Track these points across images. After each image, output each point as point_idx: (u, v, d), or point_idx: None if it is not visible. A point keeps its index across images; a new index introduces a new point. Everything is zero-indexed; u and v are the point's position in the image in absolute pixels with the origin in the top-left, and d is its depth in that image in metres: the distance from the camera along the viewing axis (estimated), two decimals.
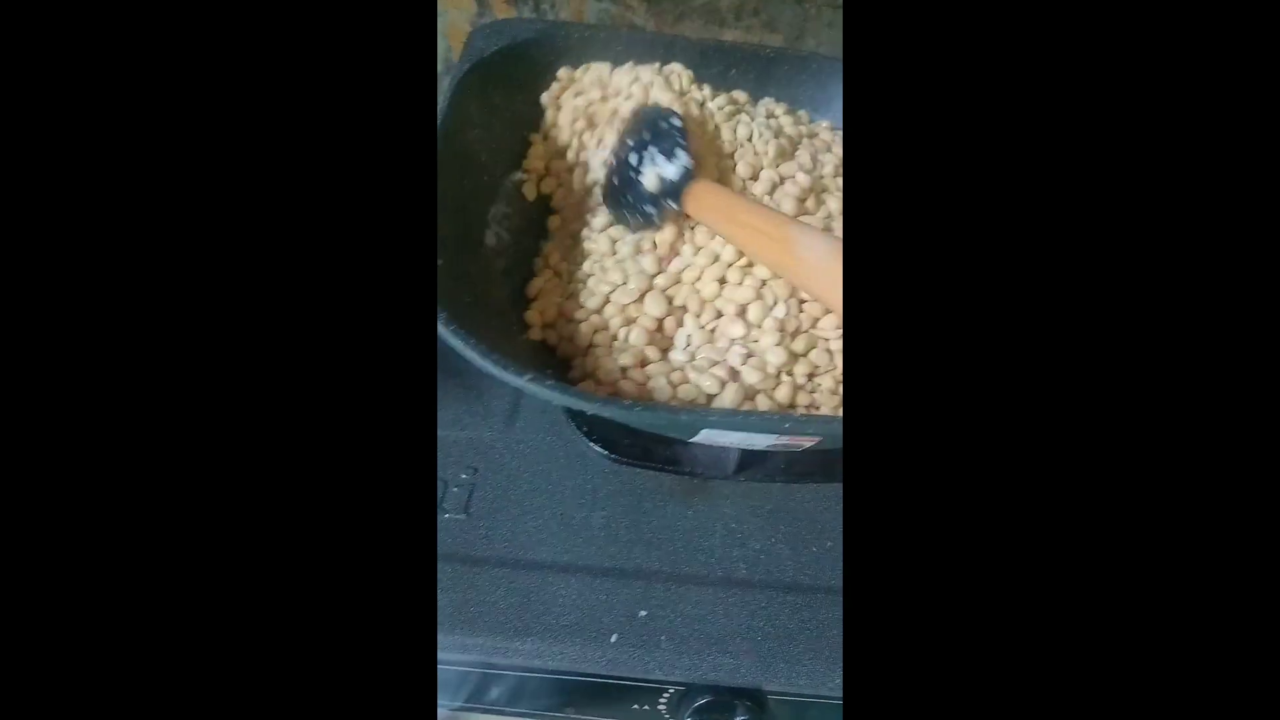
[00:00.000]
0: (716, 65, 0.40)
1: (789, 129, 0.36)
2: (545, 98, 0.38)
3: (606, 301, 0.29)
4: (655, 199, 0.30)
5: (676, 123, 0.31)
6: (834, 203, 0.32)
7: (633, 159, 0.32)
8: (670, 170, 0.30)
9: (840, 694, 0.28)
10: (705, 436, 0.26)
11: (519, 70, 0.37)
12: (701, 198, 0.29)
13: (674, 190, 0.30)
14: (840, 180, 0.33)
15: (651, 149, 0.31)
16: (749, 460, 0.33)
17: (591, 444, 0.34)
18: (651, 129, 0.32)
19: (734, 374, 0.26)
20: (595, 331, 0.29)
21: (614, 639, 0.28)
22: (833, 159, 0.34)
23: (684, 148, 0.30)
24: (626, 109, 0.35)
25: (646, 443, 0.33)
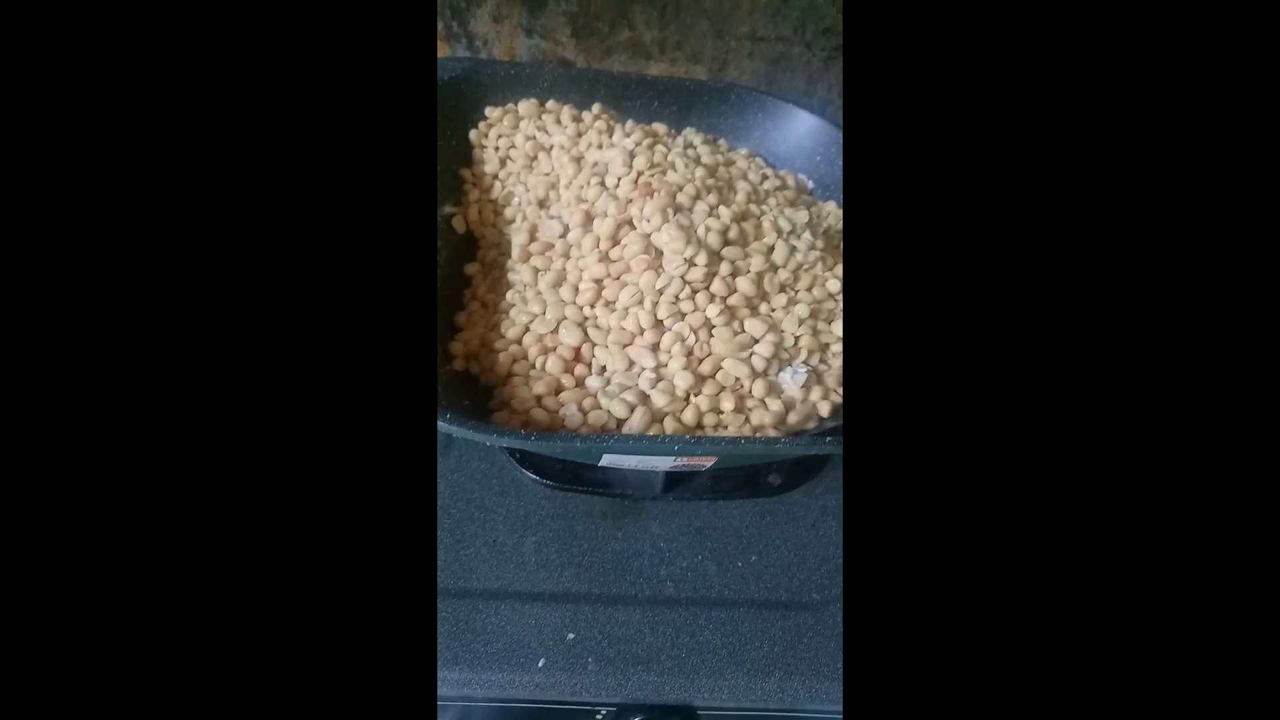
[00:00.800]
0: (640, 98, 0.41)
1: (706, 158, 0.37)
2: (473, 135, 0.39)
3: (525, 331, 0.30)
4: None
5: None
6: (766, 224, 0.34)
7: None
8: None
9: (764, 706, 0.29)
10: (609, 460, 0.27)
11: (448, 107, 0.39)
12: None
13: None
14: (755, 205, 0.35)
15: None
16: (676, 480, 0.34)
17: (524, 471, 0.34)
18: None
19: (644, 398, 0.27)
20: (514, 361, 0.30)
21: (541, 664, 0.29)
22: (746, 185, 0.35)
23: None
24: (551, 144, 0.36)
25: (577, 467, 0.34)
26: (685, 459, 0.26)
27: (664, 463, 0.27)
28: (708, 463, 0.27)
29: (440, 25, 0.46)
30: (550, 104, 0.40)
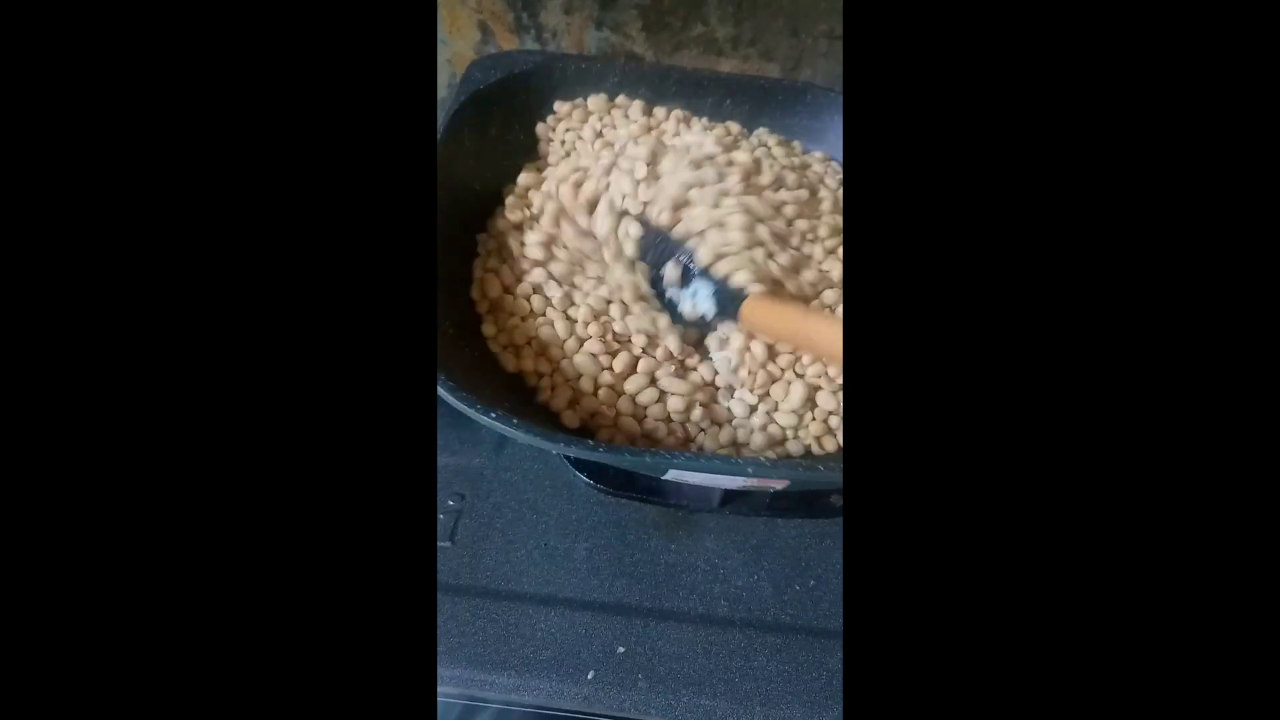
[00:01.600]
0: (711, 95, 0.40)
1: (782, 159, 0.36)
2: (540, 129, 0.38)
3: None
4: (704, 322, 0.29)
5: (694, 266, 0.29)
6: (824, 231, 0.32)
7: (665, 291, 0.30)
8: (705, 306, 0.29)
9: None
10: (675, 475, 0.26)
11: (516, 101, 0.38)
12: (754, 317, 0.28)
13: (725, 310, 0.29)
14: (832, 215, 0.33)
15: (675, 290, 0.29)
16: (734, 493, 0.33)
17: (579, 474, 0.34)
18: (659, 255, 0.30)
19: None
20: (592, 363, 0.29)
21: (591, 675, 0.28)
22: (828, 193, 0.34)
23: (711, 288, 0.29)
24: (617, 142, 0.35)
25: (632, 474, 0.33)
26: (754, 481, 0.25)
27: (730, 481, 0.26)
28: (777, 485, 0.26)
29: (510, 16, 0.46)
30: (620, 99, 0.39)
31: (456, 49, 0.48)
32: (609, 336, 0.30)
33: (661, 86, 0.40)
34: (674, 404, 0.28)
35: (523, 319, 0.31)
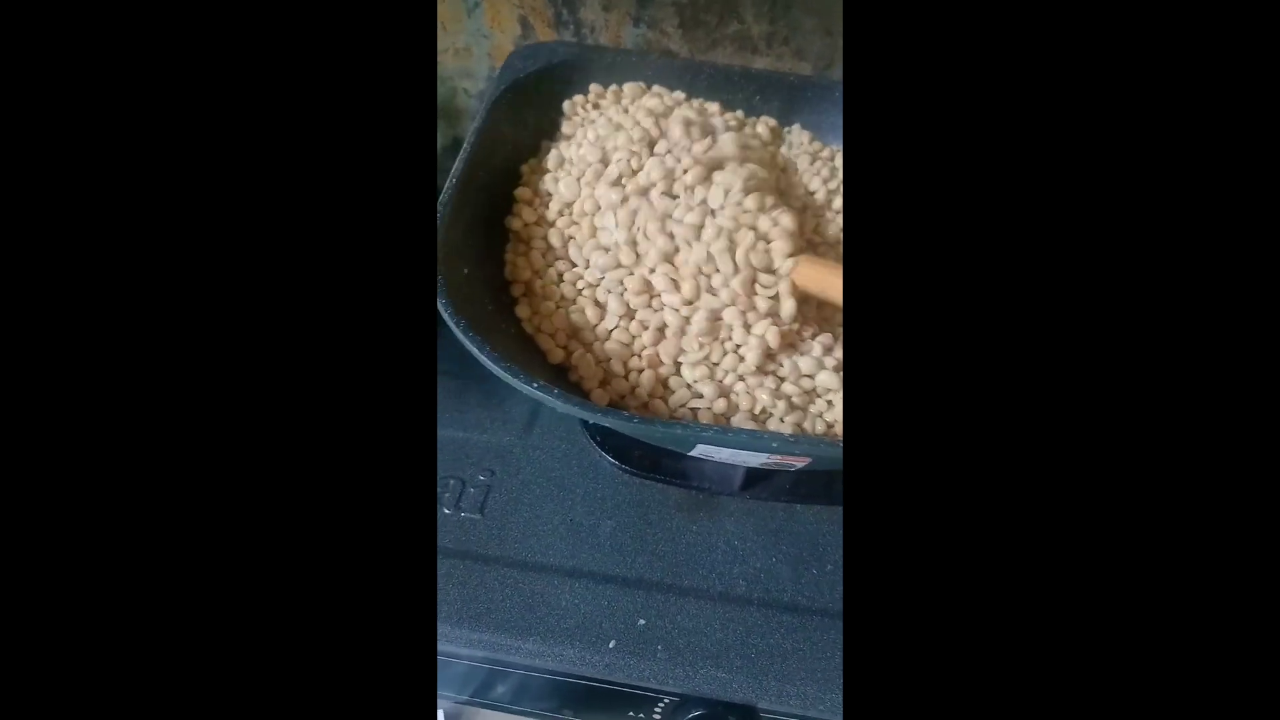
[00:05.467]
0: (742, 90, 0.41)
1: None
2: (567, 105, 0.39)
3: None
4: None
5: None
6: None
7: None
8: None
9: (830, 717, 0.29)
10: (701, 451, 0.27)
11: (554, 90, 0.39)
12: (803, 279, 0.29)
13: None
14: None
15: None
16: (755, 478, 0.34)
17: (604, 454, 0.35)
18: None
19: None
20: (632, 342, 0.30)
21: (612, 645, 0.29)
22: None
23: None
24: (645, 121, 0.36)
25: (656, 455, 0.34)
26: (778, 458, 0.26)
27: (754, 458, 0.27)
28: (799, 463, 0.27)
29: (550, 12, 0.47)
30: (656, 88, 0.40)
31: (496, 42, 0.50)
32: (643, 321, 0.31)
33: (694, 81, 0.41)
34: (706, 391, 0.29)
35: (557, 304, 0.32)
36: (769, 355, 0.28)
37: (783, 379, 0.28)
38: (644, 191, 0.32)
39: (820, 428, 0.28)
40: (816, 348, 0.29)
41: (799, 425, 0.27)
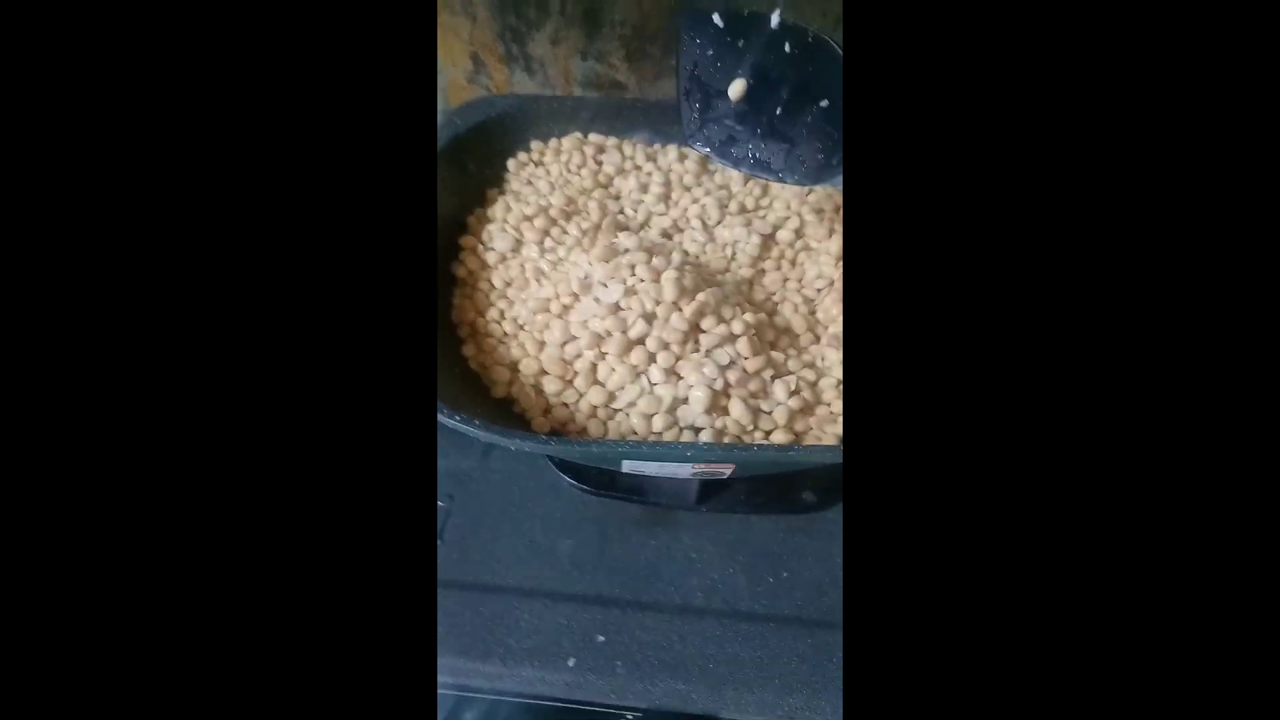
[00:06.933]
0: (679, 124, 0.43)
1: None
2: (512, 164, 0.41)
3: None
4: None
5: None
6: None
7: None
8: None
9: None
10: (630, 466, 0.28)
11: (494, 140, 0.41)
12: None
13: None
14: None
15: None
16: (709, 491, 0.35)
17: (562, 474, 0.35)
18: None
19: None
20: (569, 367, 0.31)
21: (572, 663, 0.29)
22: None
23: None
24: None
25: (612, 474, 0.35)
26: (704, 465, 0.27)
27: (682, 469, 0.28)
28: (726, 470, 0.28)
29: (500, 48, 0.49)
30: (593, 137, 0.42)
31: (451, 77, 0.51)
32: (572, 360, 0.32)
33: (639, 120, 0.43)
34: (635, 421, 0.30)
35: (499, 340, 0.34)
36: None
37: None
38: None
39: (759, 437, 0.29)
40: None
41: (739, 436, 0.28)
